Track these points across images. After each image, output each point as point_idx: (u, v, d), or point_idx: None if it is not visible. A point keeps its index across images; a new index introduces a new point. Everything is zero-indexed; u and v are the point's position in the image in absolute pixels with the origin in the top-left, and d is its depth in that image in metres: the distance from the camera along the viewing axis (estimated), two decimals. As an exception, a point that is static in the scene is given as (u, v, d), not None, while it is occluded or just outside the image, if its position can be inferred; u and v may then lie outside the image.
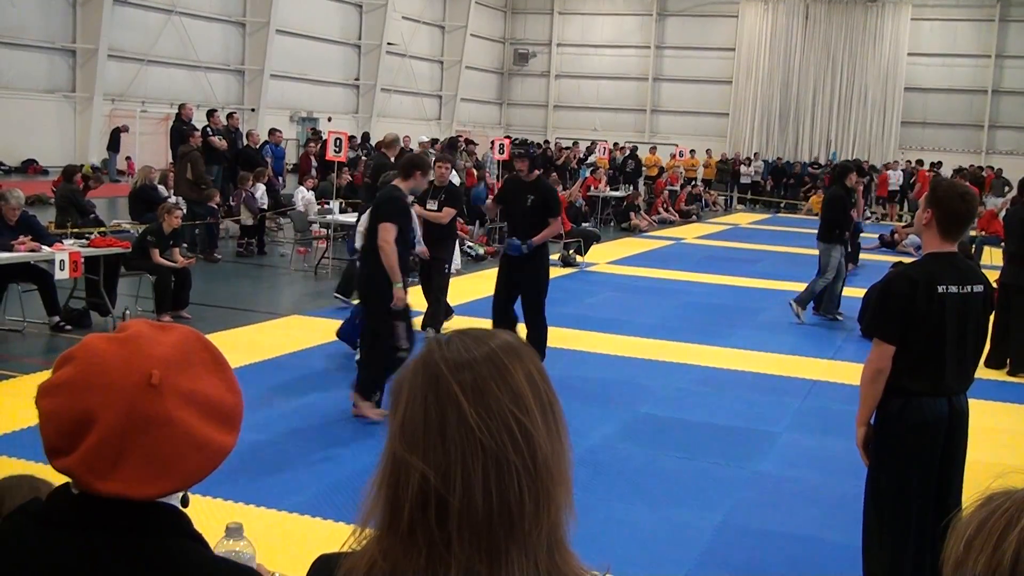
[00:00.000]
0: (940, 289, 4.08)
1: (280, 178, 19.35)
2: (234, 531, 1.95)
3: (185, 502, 1.45)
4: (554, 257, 16.68)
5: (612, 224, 22.97)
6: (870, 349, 4.27)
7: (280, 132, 20.83)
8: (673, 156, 31.46)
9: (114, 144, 23.61)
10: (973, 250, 16.61)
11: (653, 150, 32.42)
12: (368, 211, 7.76)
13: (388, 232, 7.02)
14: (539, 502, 1.19)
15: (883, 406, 4.27)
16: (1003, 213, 19.64)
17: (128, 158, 23.53)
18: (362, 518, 1.24)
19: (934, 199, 4.11)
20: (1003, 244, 10.40)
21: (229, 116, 18.71)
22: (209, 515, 5.26)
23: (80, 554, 1.34)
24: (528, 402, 1.22)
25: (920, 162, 29.38)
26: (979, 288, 4.19)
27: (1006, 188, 26.31)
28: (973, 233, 18.22)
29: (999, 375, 9.37)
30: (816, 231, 12.25)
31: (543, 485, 1.20)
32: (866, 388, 4.27)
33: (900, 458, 4.23)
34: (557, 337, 10.47)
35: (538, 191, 8.86)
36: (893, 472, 4.25)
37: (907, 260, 12.81)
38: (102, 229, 12.56)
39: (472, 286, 13.59)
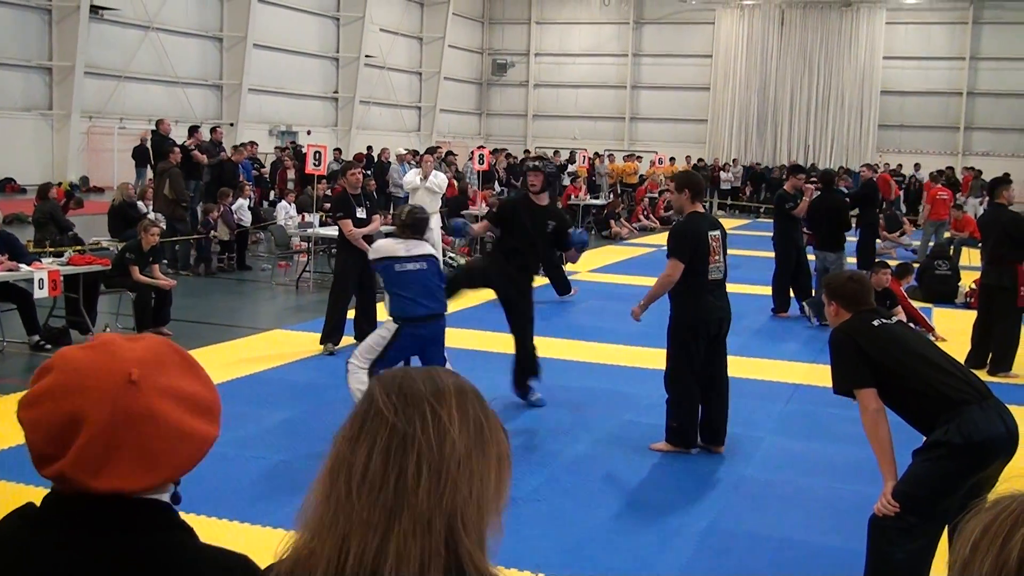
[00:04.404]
0: (875, 323, 4.48)
1: (254, 191, 19.30)
2: None
3: (176, 499, 1.50)
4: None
5: (593, 232, 23.01)
6: (858, 407, 4.41)
7: (256, 144, 20.78)
8: (653, 163, 31.55)
9: (143, 160, 23.04)
10: (952, 251, 16.71)
11: (633, 157, 32.55)
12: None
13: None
14: (437, 484, 1.31)
15: (935, 435, 4.22)
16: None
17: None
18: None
19: (831, 293, 4.72)
20: (980, 245, 10.49)
21: (213, 130, 18.67)
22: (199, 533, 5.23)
23: (77, 555, 1.38)
24: (449, 399, 1.37)
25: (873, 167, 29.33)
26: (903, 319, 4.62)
27: (983, 190, 26.50)
28: (949, 234, 18.36)
29: (980, 375, 9.42)
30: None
31: (448, 472, 1.32)
32: (874, 438, 4.34)
33: (954, 477, 4.11)
34: (540, 346, 10.47)
35: (557, 216, 8.41)
36: (944, 490, 4.12)
37: (889, 262, 12.98)
38: (80, 247, 12.50)
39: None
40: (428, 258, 7.27)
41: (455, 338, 10.60)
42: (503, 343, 10.52)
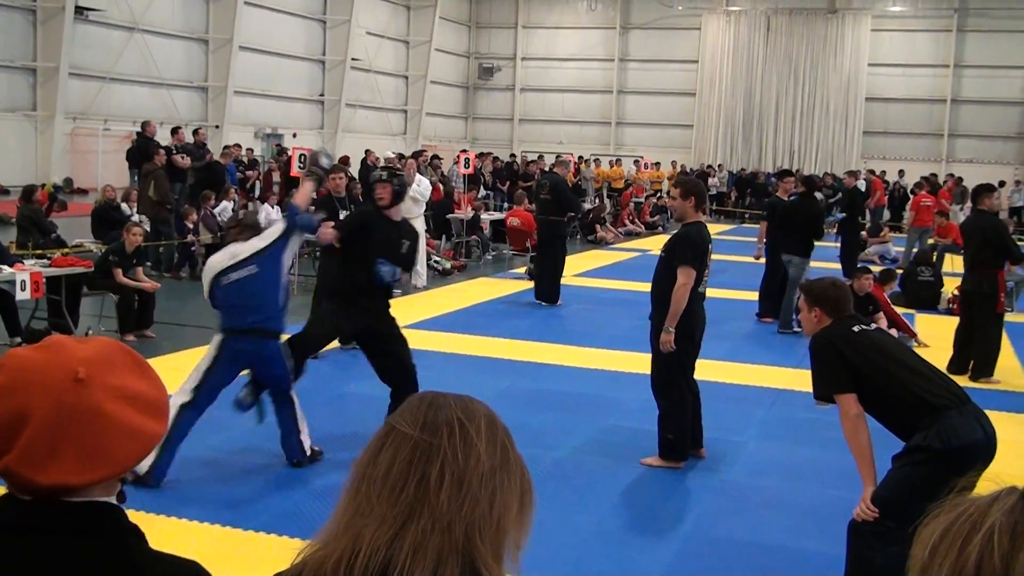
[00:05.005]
0: (855, 329, 4.52)
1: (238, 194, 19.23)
2: None
3: (122, 498, 1.51)
4: (521, 270, 16.73)
5: (578, 236, 23.02)
6: (838, 412, 4.47)
7: (239, 147, 20.70)
8: (638, 167, 31.61)
9: (136, 162, 22.80)
10: (935, 257, 16.79)
11: (618, 162, 32.63)
12: None
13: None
14: (459, 492, 1.33)
15: (914, 440, 4.25)
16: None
17: None
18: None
19: (813, 299, 4.66)
20: (963, 252, 10.56)
21: (195, 132, 18.60)
22: (173, 535, 5.21)
23: (31, 558, 1.39)
24: (478, 419, 1.39)
25: (871, 171, 29.59)
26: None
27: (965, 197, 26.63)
28: (932, 241, 18.45)
29: (962, 380, 9.47)
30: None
31: (470, 484, 1.34)
32: (854, 443, 4.38)
33: (933, 482, 4.00)
34: (525, 350, 10.48)
35: (412, 236, 7.54)
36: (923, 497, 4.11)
37: (872, 267, 13.04)
38: (65, 250, 12.44)
39: (439, 301, 13.59)
40: (259, 257, 6.42)
41: (438, 342, 10.62)
42: (488, 347, 10.53)
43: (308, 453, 6.63)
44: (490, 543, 1.33)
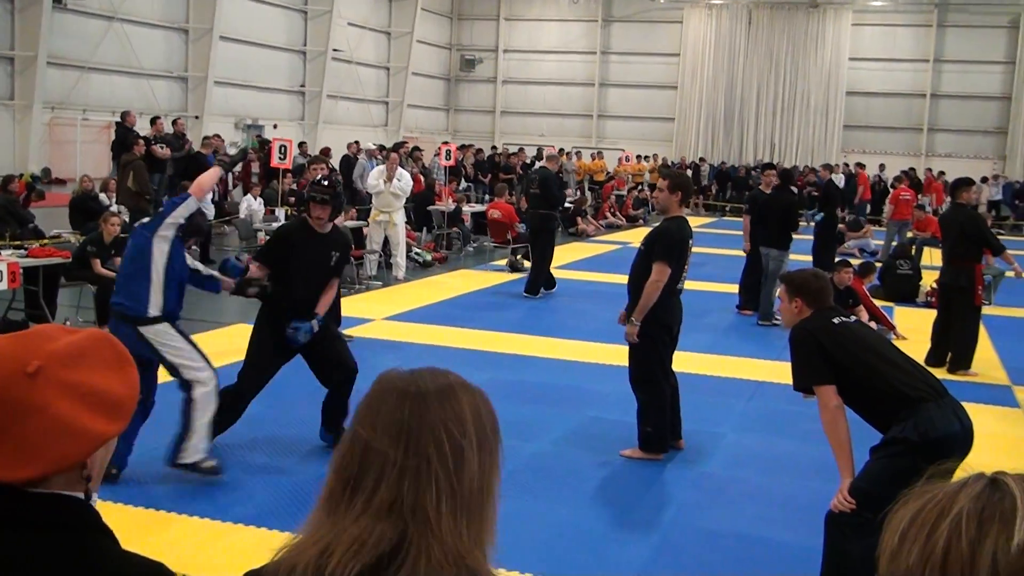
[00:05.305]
0: (835, 321, 4.55)
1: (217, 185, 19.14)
2: None
3: (88, 496, 1.48)
4: (502, 263, 16.73)
5: (559, 229, 23.00)
6: (817, 404, 4.47)
7: (219, 137, 20.60)
8: (620, 161, 31.65)
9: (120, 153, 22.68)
10: (914, 251, 16.89)
11: (599, 155, 32.64)
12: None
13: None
14: (456, 515, 1.32)
15: (892, 432, 4.28)
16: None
17: None
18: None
19: (794, 289, 4.68)
20: (941, 245, 10.62)
21: (174, 122, 18.50)
22: (152, 528, 5.19)
23: (5, 550, 1.38)
24: (467, 422, 1.36)
25: (861, 165, 29.83)
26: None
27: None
28: (911, 234, 18.56)
29: (940, 373, 9.54)
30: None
31: (464, 499, 1.33)
32: (832, 434, 4.39)
33: (910, 474, 4.09)
34: (505, 342, 10.48)
35: (342, 245, 7.04)
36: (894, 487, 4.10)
37: (852, 260, 13.11)
38: (42, 240, 12.36)
39: (418, 293, 13.57)
40: (131, 233, 6.22)
41: (418, 334, 10.60)
42: (468, 339, 10.52)
43: (185, 461, 5.95)
44: (482, 547, 1.36)
